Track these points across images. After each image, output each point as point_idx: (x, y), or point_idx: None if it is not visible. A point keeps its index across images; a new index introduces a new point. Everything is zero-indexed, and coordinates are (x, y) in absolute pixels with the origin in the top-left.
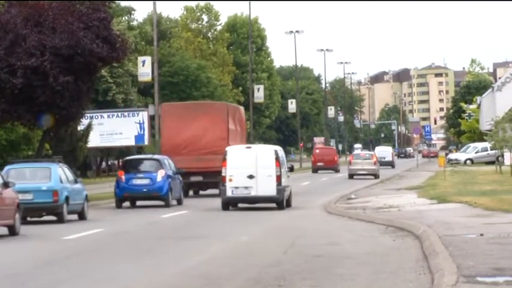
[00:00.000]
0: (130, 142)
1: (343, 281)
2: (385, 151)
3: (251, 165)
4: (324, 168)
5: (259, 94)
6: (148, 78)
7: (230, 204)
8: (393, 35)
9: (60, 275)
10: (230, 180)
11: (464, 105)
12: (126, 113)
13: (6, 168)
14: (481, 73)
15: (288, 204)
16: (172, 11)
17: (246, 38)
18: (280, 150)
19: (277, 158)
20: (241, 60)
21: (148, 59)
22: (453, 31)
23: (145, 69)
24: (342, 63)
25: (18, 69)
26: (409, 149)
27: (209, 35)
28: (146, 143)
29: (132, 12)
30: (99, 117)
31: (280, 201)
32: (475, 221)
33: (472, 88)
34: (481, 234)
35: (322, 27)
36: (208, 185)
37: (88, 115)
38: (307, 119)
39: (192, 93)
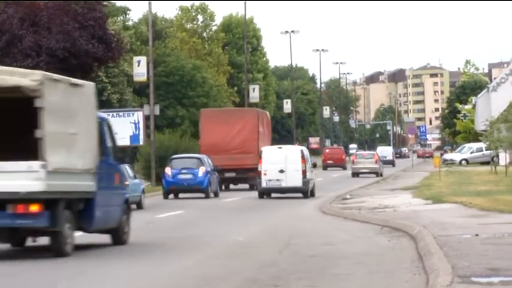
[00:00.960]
0: (126, 142)
1: (338, 281)
2: (386, 151)
3: (282, 162)
4: (333, 166)
5: (254, 94)
6: (143, 78)
7: (265, 193)
8: (388, 35)
9: (57, 274)
10: (265, 174)
11: (459, 106)
12: (121, 113)
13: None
14: (476, 73)
15: (312, 194)
16: (168, 11)
17: (241, 38)
18: (305, 149)
19: (302, 156)
20: (236, 60)
21: (143, 59)
22: (448, 31)
23: (140, 69)
24: (337, 63)
25: None
26: (404, 149)
27: (204, 35)
28: (141, 143)
29: (128, 12)
30: None
31: (305, 191)
32: (470, 222)
33: (467, 88)
34: (476, 235)
35: (318, 28)
36: (239, 180)
37: None
38: (303, 119)
39: (187, 93)
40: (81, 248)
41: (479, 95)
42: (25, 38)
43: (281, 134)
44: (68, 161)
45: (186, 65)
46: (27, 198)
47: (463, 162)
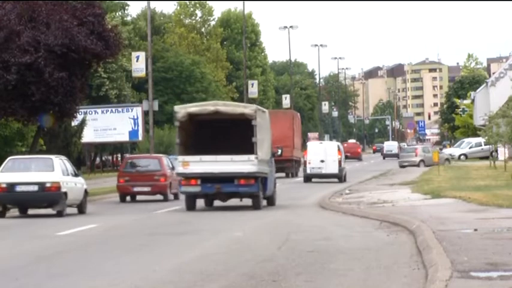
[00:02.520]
0: (125, 138)
1: (337, 276)
2: (392, 145)
3: (322, 154)
4: (350, 158)
5: (253, 89)
6: (142, 73)
7: (309, 179)
8: (387, 30)
9: (52, 270)
10: (309, 163)
11: (458, 101)
12: (120, 109)
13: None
14: (477, 68)
15: (345, 179)
16: (166, 7)
17: (239, 33)
18: (340, 144)
19: (338, 149)
20: (234, 56)
21: (142, 55)
22: (447, 26)
23: (139, 64)
24: (336, 58)
25: (12, 66)
26: (403, 144)
27: (203, 30)
28: (140, 138)
29: (126, 7)
30: (93, 112)
31: (341, 177)
32: (469, 216)
33: (465, 83)
34: (475, 229)
35: (316, 23)
36: (278, 170)
37: (82, 111)
38: (301, 114)
39: (186, 89)
40: (77, 242)
41: (478, 90)
42: (23, 34)
43: None
44: (263, 155)
45: (184, 60)
46: (247, 176)
47: (462, 157)
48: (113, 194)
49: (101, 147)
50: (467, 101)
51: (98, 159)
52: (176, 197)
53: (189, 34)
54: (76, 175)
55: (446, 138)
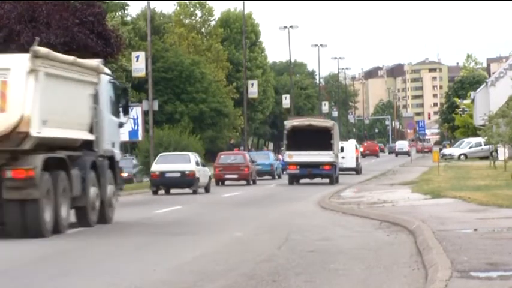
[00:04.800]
0: (124, 137)
1: (337, 276)
2: (403, 144)
3: (344, 152)
4: (369, 155)
5: (253, 89)
6: (142, 73)
7: None
8: (387, 30)
9: (52, 270)
10: None
11: (458, 101)
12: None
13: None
14: (476, 68)
15: (360, 172)
16: (166, 7)
17: (239, 33)
18: (357, 144)
19: (356, 148)
20: (234, 57)
21: (142, 55)
22: (447, 26)
23: (139, 64)
24: (336, 58)
25: None
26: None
27: (203, 30)
28: (140, 138)
29: (126, 7)
30: None
31: (357, 170)
32: (468, 216)
33: (465, 83)
34: (475, 229)
35: (316, 23)
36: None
37: None
38: (301, 114)
39: (186, 89)
40: (76, 242)
41: (478, 90)
42: (23, 34)
43: (280, 130)
44: (336, 151)
45: (184, 60)
46: (328, 163)
47: (462, 157)
48: None
49: None
50: (467, 101)
51: None
52: (254, 182)
53: (189, 34)
54: (204, 165)
55: (446, 138)
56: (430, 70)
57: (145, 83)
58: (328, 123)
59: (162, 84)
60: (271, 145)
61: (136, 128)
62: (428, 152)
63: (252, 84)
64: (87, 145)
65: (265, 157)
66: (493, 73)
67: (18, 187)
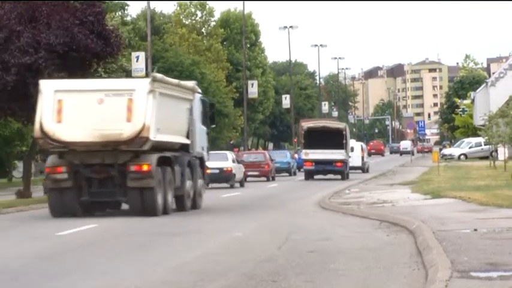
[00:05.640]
0: None
1: (337, 276)
2: (407, 144)
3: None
4: (375, 154)
5: (253, 90)
6: (142, 73)
7: None
8: (387, 30)
9: (52, 270)
10: None
11: (458, 101)
12: None
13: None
14: (476, 68)
15: (368, 171)
16: (166, 7)
17: (239, 33)
18: (363, 144)
19: (362, 149)
20: (234, 57)
21: (142, 55)
22: (447, 26)
23: (139, 64)
24: (336, 58)
25: (12, 67)
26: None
27: (203, 30)
28: None
29: (126, 7)
30: None
31: (363, 169)
32: (468, 216)
33: (465, 83)
34: (475, 229)
35: (316, 23)
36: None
37: None
38: (301, 114)
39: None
40: (77, 242)
41: (477, 90)
42: (23, 34)
43: (279, 130)
44: (347, 150)
45: (184, 60)
46: (340, 161)
47: (462, 157)
48: None
49: None
50: (467, 101)
51: None
52: (273, 178)
53: (190, 35)
54: (239, 162)
55: (446, 138)
56: (430, 70)
57: None
58: (340, 125)
59: None
60: (271, 145)
61: None
62: (428, 152)
63: (252, 85)
64: (184, 147)
65: (283, 156)
66: (493, 73)
67: (139, 178)
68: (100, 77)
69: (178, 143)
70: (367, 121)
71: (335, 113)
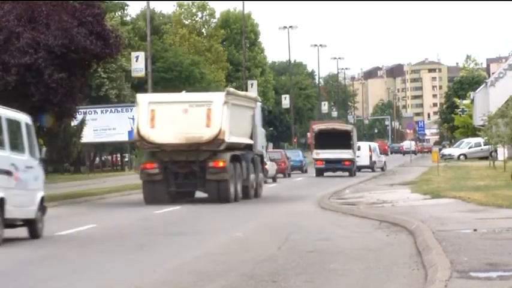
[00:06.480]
0: (124, 137)
1: (337, 276)
2: (410, 144)
3: (360, 151)
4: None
5: (252, 90)
6: (141, 73)
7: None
8: (387, 30)
9: (52, 270)
10: None
11: (457, 101)
12: (119, 109)
13: None
14: (476, 69)
15: (374, 170)
16: (166, 7)
17: (239, 33)
18: (372, 143)
19: (369, 148)
20: (234, 57)
21: (141, 55)
22: (447, 26)
23: (138, 64)
24: (335, 58)
25: (12, 67)
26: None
27: (203, 30)
28: None
29: (125, 7)
30: (93, 112)
31: (372, 168)
32: (468, 216)
33: (465, 83)
34: (475, 230)
35: (316, 23)
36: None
37: (81, 110)
38: (301, 114)
39: (185, 89)
40: (76, 243)
41: (477, 90)
42: (23, 35)
43: (279, 130)
44: (354, 150)
45: (184, 60)
46: (348, 160)
47: (462, 157)
48: (113, 193)
49: (101, 147)
50: (466, 101)
51: (97, 159)
52: (289, 175)
53: (191, 35)
54: (272, 160)
55: (446, 138)
56: (430, 70)
57: (145, 83)
58: (348, 127)
59: (162, 84)
60: (270, 145)
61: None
62: (428, 152)
63: (252, 84)
64: (248, 147)
65: (296, 155)
66: (493, 73)
67: (216, 172)
68: (99, 77)
69: (244, 143)
70: (366, 121)
71: (334, 113)
